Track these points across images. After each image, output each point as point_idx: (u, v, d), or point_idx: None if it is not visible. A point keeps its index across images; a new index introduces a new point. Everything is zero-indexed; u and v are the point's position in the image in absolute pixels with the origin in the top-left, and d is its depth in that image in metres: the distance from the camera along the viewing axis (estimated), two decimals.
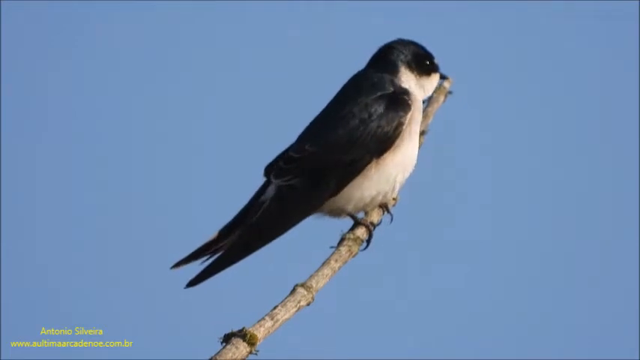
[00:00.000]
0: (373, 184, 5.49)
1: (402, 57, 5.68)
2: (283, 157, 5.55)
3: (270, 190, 5.52)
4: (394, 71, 5.67)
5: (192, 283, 5.45)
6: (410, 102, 5.57)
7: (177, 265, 5.50)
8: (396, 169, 5.51)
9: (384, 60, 5.68)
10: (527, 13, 7.25)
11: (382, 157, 5.49)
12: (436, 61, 5.75)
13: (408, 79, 5.67)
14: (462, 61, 6.75)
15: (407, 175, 5.57)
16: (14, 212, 6.74)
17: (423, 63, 5.71)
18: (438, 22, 7.18)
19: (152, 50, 7.38)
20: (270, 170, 5.56)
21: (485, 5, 7.22)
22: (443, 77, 5.84)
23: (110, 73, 7.30)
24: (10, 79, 7.05)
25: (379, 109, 5.53)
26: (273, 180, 5.51)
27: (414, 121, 5.57)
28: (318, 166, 5.47)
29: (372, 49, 5.77)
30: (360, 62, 5.77)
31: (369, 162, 5.48)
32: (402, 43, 5.71)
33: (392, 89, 5.59)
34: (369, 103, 5.54)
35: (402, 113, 5.53)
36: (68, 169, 6.98)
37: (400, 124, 5.51)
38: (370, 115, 5.52)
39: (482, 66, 6.96)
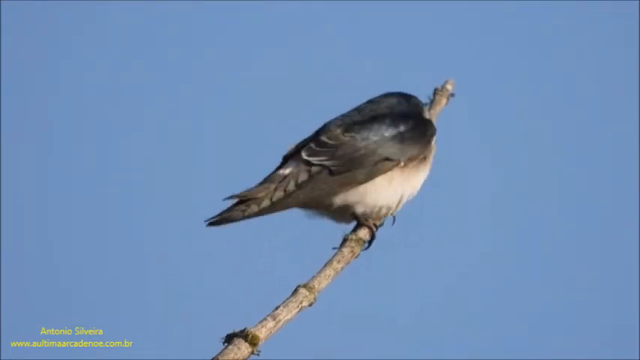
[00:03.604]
0: (391, 192, 5.58)
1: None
2: (314, 140, 5.62)
3: (298, 163, 5.58)
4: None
5: (213, 222, 5.48)
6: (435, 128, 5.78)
7: (212, 223, 5.49)
8: (412, 185, 5.64)
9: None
10: (528, 14, 7.26)
11: (406, 167, 5.58)
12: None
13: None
14: (464, 62, 6.78)
15: (413, 195, 5.68)
16: (14, 212, 6.74)
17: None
18: (440, 23, 7.20)
19: (152, 51, 7.39)
20: (299, 150, 5.61)
21: (486, 6, 7.23)
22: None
23: (110, 73, 7.31)
24: (10, 79, 7.05)
25: (412, 123, 5.69)
26: (304, 156, 5.56)
27: (435, 146, 5.74)
28: (354, 156, 5.55)
29: (372, 50, 5.80)
30: (359, 63, 5.79)
31: (396, 166, 5.57)
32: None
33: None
34: (405, 115, 5.71)
35: (430, 132, 5.72)
36: (67, 168, 6.98)
37: (429, 142, 5.69)
38: (406, 125, 5.66)
39: (484, 68, 6.98)
